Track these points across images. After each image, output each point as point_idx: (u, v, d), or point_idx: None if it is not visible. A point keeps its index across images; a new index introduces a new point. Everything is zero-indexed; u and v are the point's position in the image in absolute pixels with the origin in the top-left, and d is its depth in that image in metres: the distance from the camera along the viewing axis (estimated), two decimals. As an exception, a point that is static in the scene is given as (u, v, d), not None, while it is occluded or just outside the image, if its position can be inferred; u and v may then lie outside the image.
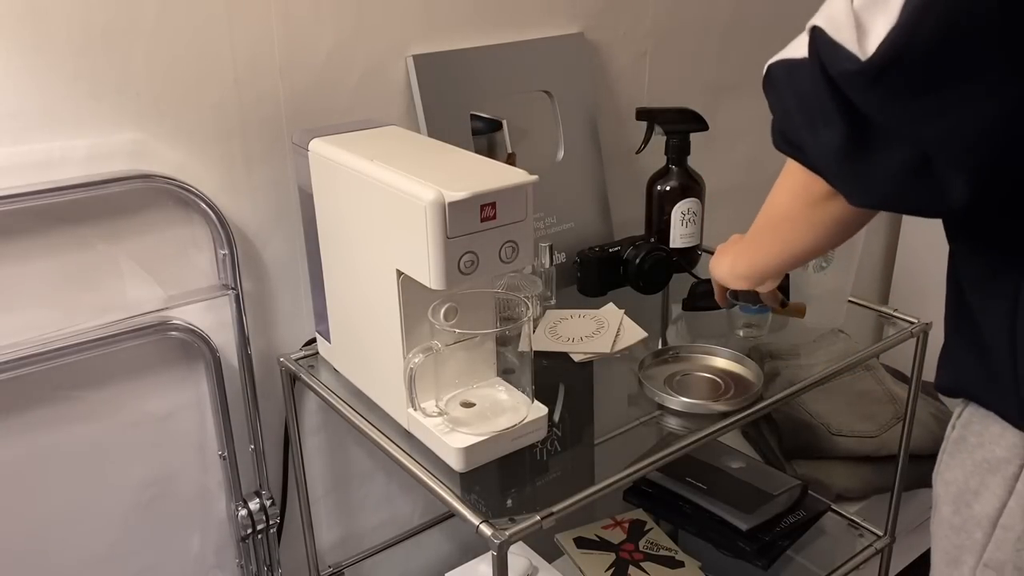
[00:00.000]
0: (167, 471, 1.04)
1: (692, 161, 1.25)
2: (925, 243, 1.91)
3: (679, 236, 1.26)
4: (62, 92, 0.87)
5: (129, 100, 0.91)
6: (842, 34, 0.56)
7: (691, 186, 1.24)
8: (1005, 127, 0.54)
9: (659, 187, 1.25)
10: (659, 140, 1.25)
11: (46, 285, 0.91)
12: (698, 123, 1.23)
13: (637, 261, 1.20)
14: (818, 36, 0.58)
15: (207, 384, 1.04)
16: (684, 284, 1.19)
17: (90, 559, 1.01)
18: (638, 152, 1.25)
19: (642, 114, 1.25)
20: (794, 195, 0.70)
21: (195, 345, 1.01)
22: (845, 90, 0.57)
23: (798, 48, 0.62)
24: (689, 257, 1.27)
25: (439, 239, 0.74)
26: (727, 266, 0.92)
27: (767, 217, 0.77)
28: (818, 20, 0.59)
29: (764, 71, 0.66)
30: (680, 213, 1.24)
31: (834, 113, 0.58)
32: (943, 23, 0.52)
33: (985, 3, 0.51)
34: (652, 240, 1.25)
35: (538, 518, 0.74)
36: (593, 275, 1.21)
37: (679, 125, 1.23)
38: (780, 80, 0.64)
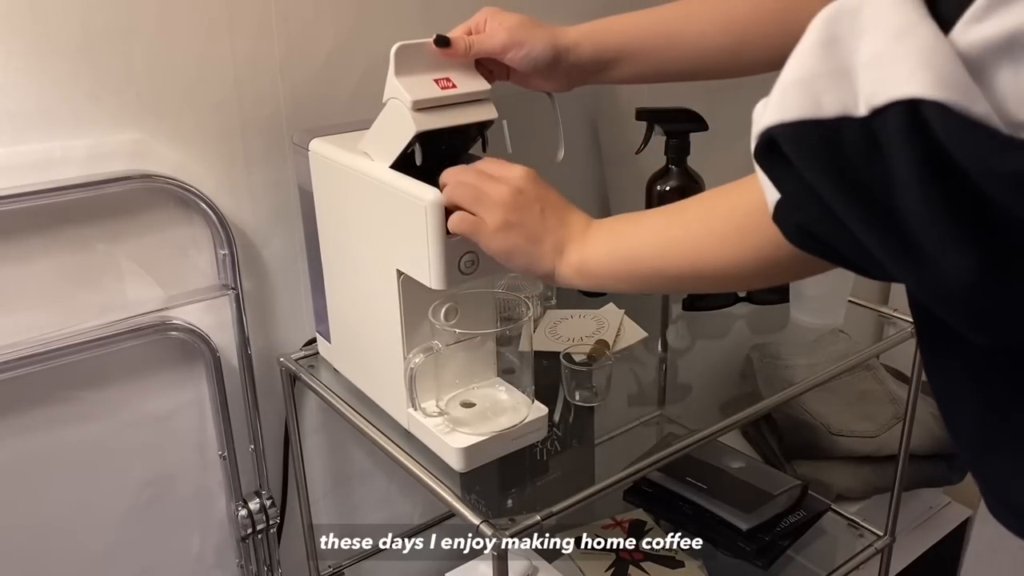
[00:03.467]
0: (167, 471, 1.04)
1: (691, 161, 1.25)
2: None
3: None
4: (62, 92, 0.87)
5: (129, 100, 0.91)
6: (975, 103, 0.35)
7: (691, 186, 1.24)
8: None
9: (659, 187, 1.25)
10: (659, 140, 1.25)
11: (46, 285, 0.91)
12: (698, 123, 1.23)
13: None
14: (930, 110, 0.36)
15: (207, 384, 1.04)
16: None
17: (90, 559, 1.01)
18: (638, 152, 1.25)
19: (642, 114, 1.24)
20: (747, 218, 0.55)
21: (195, 345, 1.01)
22: (999, 195, 0.36)
23: (810, 97, 0.41)
24: None
25: (439, 239, 0.74)
26: (580, 246, 0.69)
27: (692, 219, 0.62)
28: (900, 70, 0.37)
29: (758, 136, 0.45)
30: None
31: (958, 230, 0.37)
32: None
33: None
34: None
35: (538, 518, 0.74)
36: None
37: (679, 125, 1.23)
38: (808, 158, 0.42)
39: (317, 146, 0.91)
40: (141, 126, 0.93)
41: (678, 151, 1.24)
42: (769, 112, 0.44)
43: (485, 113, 0.81)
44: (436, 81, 0.79)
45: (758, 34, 0.80)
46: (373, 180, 0.81)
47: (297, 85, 1.02)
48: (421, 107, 0.77)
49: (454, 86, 0.79)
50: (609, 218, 0.71)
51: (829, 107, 0.41)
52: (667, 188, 1.24)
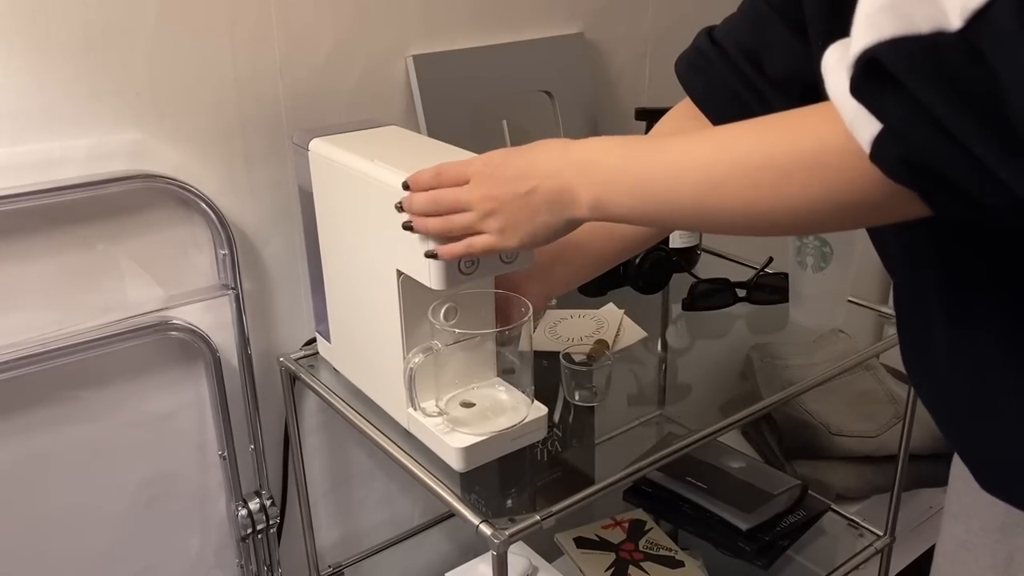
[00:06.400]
0: (167, 471, 1.04)
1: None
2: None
3: (678, 236, 1.26)
4: (62, 92, 0.87)
5: (129, 100, 0.91)
6: None
7: None
8: None
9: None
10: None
11: (46, 285, 0.91)
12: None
13: (636, 261, 1.20)
14: None
15: (207, 384, 1.04)
16: (683, 284, 1.19)
17: (90, 559, 1.01)
18: (638, 152, 1.25)
19: (642, 114, 1.25)
20: (823, 148, 0.49)
21: (195, 345, 1.01)
22: None
23: (901, 18, 0.40)
24: (688, 257, 1.28)
25: (439, 239, 0.74)
26: (589, 186, 0.63)
27: (739, 151, 0.54)
28: None
29: (854, 63, 0.42)
30: None
31: None
32: None
33: None
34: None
35: (538, 518, 0.74)
36: (592, 275, 1.21)
37: None
38: (918, 71, 0.40)
39: (317, 146, 0.91)
40: (141, 126, 0.93)
41: (678, 151, 1.24)
42: (861, 36, 0.42)
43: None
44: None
45: None
46: (373, 180, 0.81)
47: (297, 85, 1.02)
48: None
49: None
50: (612, 141, 0.63)
51: (923, 24, 0.39)
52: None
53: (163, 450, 1.03)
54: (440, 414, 0.83)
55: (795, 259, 1.11)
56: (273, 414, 1.11)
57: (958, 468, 0.72)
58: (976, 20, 0.37)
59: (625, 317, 1.13)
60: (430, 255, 0.74)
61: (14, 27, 0.83)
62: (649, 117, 1.24)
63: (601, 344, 0.95)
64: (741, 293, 1.18)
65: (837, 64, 0.45)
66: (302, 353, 1.07)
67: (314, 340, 1.07)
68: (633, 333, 1.10)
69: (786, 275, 1.13)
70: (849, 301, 1.17)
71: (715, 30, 0.80)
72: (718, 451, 1.34)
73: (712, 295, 1.15)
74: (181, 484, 1.06)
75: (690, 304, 1.15)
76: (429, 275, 0.76)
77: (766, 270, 1.19)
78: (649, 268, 1.20)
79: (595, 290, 1.21)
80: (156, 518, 1.05)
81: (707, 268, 1.30)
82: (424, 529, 1.31)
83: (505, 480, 0.83)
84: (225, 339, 1.03)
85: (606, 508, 1.33)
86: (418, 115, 1.10)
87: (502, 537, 0.72)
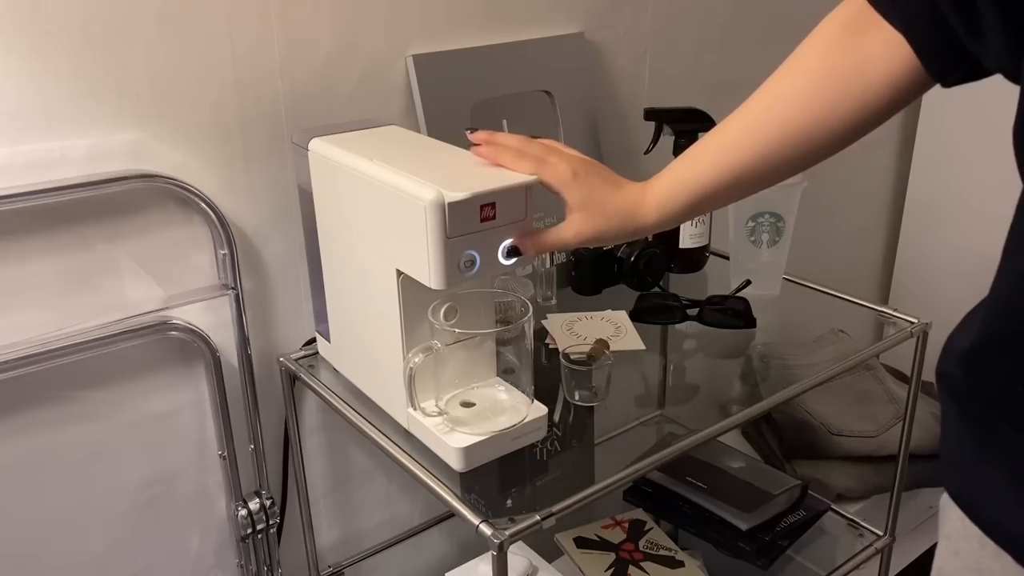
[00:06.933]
0: (167, 471, 1.04)
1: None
2: (925, 243, 1.91)
3: (688, 236, 1.26)
4: (62, 92, 0.87)
5: (129, 100, 0.91)
6: None
7: None
8: None
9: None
10: (665, 140, 1.25)
11: (46, 285, 0.91)
12: (706, 122, 1.23)
13: (631, 259, 1.20)
14: None
15: (207, 384, 1.04)
16: (683, 283, 1.19)
17: (90, 559, 1.01)
18: (646, 152, 1.25)
19: (650, 114, 1.24)
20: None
21: (195, 345, 1.01)
22: None
23: None
24: (698, 256, 1.28)
25: (439, 239, 0.74)
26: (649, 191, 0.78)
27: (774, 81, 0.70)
28: None
29: None
30: None
31: None
32: None
33: None
34: (646, 237, 1.25)
35: (538, 518, 0.74)
36: (588, 273, 1.21)
37: (688, 125, 1.23)
38: None
39: (317, 146, 0.91)
40: (141, 126, 0.93)
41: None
42: None
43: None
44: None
45: (831, 115, 0.70)
46: (373, 180, 0.81)
47: (297, 85, 1.02)
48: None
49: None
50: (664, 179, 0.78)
51: None
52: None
53: (163, 450, 1.03)
54: (440, 414, 0.83)
55: (748, 239, 1.19)
56: (273, 414, 1.11)
57: None
58: None
59: (630, 322, 1.13)
60: (512, 251, 0.79)
61: (14, 27, 0.83)
62: (657, 117, 1.24)
63: (601, 344, 0.95)
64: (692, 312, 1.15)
65: None
66: (302, 353, 1.07)
67: (314, 340, 1.07)
68: (633, 340, 1.09)
69: (746, 300, 1.14)
70: (850, 301, 1.17)
71: None
72: (718, 451, 1.34)
73: (663, 310, 1.15)
74: (181, 484, 1.06)
75: (637, 315, 1.15)
76: (429, 275, 0.76)
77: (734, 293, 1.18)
78: (643, 266, 1.20)
79: (590, 288, 1.22)
80: (156, 518, 1.05)
81: (710, 269, 1.30)
82: (424, 529, 1.31)
83: (505, 480, 0.83)
84: (225, 339, 1.03)
85: (606, 508, 1.33)
86: (418, 115, 1.10)
87: (502, 537, 0.72)
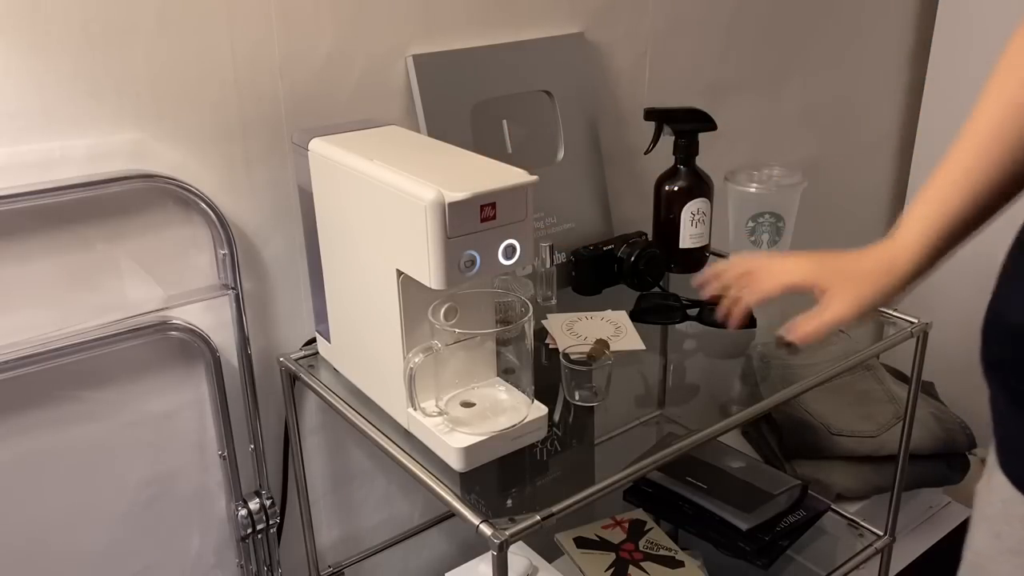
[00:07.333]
0: (167, 471, 1.04)
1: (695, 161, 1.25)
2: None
3: (688, 236, 1.26)
4: (62, 92, 0.87)
5: (129, 100, 0.91)
6: None
7: (700, 186, 1.24)
8: None
9: (668, 187, 1.25)
10: (665, 140, 1.25)
11: (46, 285, 0.91)
12: (706, 123, 1.23)
13: (631, 259, 1.20)
14: None
15: (207, 384, 1.04)
16: (682, 283, 1.19)
17: (90, 559, 1.01)
18: (647, 152, 1.25)
19: (651, 114, 1.24)
20: None
21: (195, 345, 1.01)
22: None
23: None
24: (698, 256, 1.28)
25: (439, 239, 0.74)
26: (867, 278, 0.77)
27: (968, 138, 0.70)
28: None
29: None
30: (690, 213, 1.24)
31: None
32: None
33: None
34: (645, 237, 1.25)
35: (538, 518, 0.74)
36: (588, 273, 1.21)
37: (688, 125, 1.23)
38: None
39: (317, 146, 0.91)
40: (141, 126, 0.93)
41: (686, 151, 1.24)
42: None
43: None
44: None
45: None
46: (373, 180, 0.81)
47: (297, 85, 1.02)
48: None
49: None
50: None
51: None
52: (676, 188, 1.24)
53: (163, 450, 1.03)
54: (440, 414, 0.83)
55: (748, 239, 1.20)
56: (273, 414, 1.11)
57: None
58: None
59: (630, 322, 1.13)
60: (787, 344, 0.81)
61: (14, 27, 0.83)
62: (657, 117, 1.24)
63: (601, 344, 0.95)
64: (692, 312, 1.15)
65: None
66: (302, 353, 1.07)
67: (314, 340, 1.07)
68: (633, 340, 1.09)
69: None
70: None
71: None
72: (718, 451, 1.34)
73: (663, 310, 1.15)
74: (181, 484, 1.06)
75: (638, 315, 1.15)
76: (429, 275, 0.76)
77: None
78: (644, 266, 1.20)
79: (590, 288, 1.22)
80: (156, 518, 1.05)
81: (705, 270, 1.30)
82: (424, 529, 1.31)
83: (505, 480, 0.83)
84: (225, 339, 1.03)
85: (606, 508, 1.33)
86: (418, 115, 1.10)
87: (502, 537, 0.72)
